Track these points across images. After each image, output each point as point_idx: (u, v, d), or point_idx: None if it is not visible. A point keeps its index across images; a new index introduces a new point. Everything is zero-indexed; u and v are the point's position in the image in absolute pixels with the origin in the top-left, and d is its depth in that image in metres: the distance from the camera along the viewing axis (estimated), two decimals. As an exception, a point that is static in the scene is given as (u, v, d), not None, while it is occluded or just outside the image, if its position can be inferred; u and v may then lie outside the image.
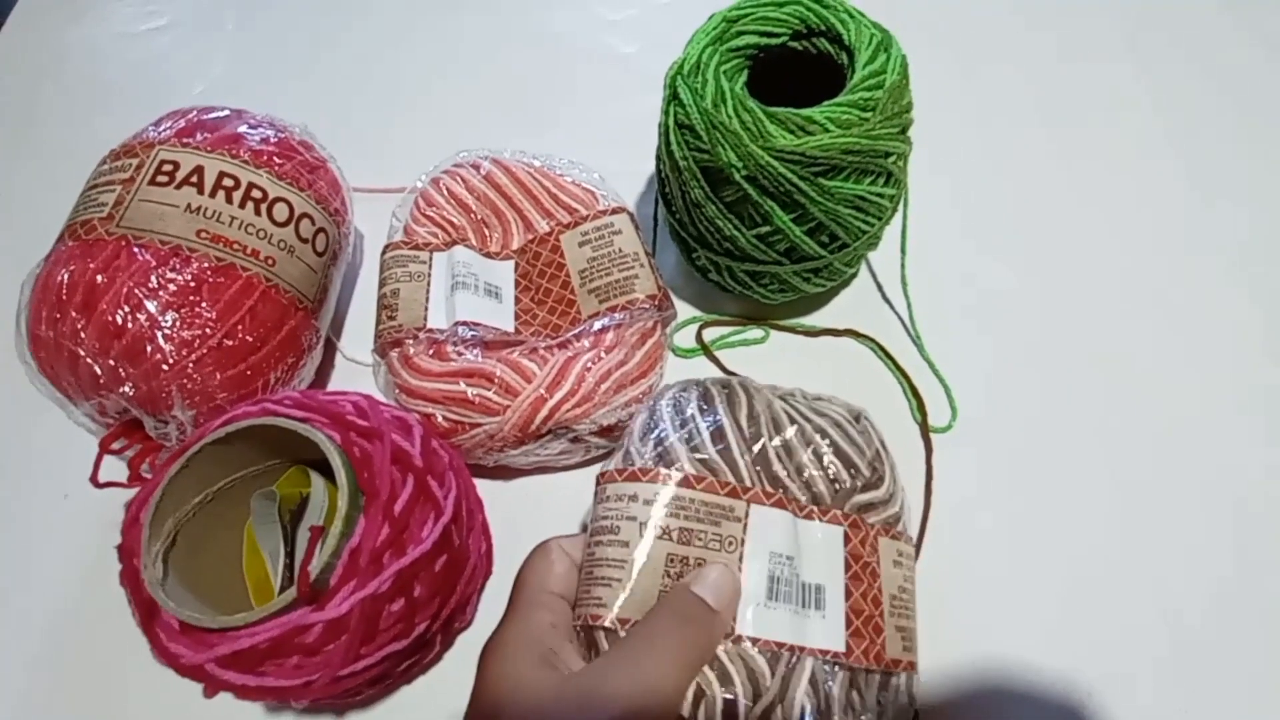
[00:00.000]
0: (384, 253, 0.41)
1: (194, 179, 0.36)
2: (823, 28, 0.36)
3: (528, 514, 0.38)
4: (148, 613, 0.26)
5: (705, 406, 0.30)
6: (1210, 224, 0.48)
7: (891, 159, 0.35)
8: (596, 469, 0.30)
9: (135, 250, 0.34)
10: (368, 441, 0.29)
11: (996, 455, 0.40)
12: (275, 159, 0.38)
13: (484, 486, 0.38)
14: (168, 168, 0.36)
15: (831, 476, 0.30)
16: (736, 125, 0.33)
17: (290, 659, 0.26)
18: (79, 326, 0.33)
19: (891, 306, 0.45)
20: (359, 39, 0.60)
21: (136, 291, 0.33)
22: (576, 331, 0.38)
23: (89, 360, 0.33)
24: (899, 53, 0.35)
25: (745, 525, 0.27)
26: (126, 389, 0.33)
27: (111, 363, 0.33)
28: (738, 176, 0.34)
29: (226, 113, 0.40)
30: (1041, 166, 0.50)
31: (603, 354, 0.37)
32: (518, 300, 0.40)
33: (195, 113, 0.39)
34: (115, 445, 0.36)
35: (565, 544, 0.28)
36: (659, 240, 0.46)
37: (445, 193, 0.42)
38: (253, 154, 0.38)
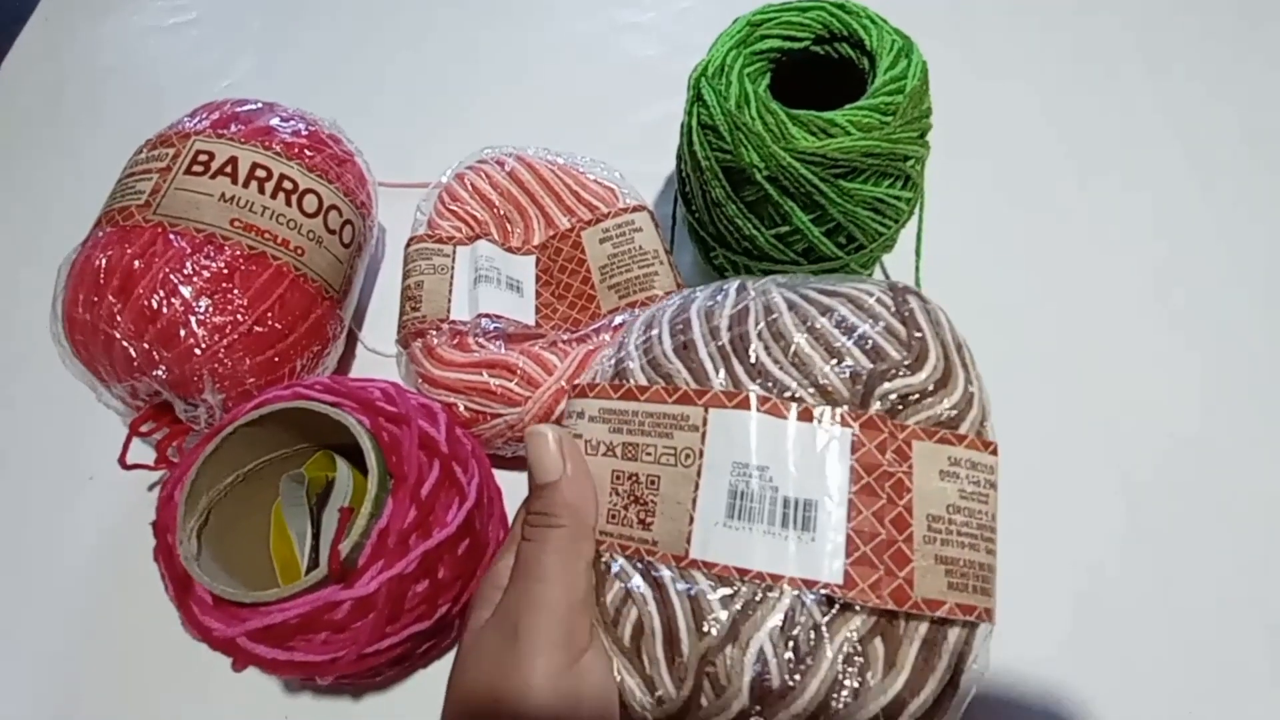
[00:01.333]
0: (408, 245, 0.42)
1: (228, 169, 0.37)
2: (845, 33, 0.37)
3: (545, 504, 0.39)
4: (182, 587, 0.27)
5: (680, 309, 0.27)
6: (1226, 237, 0.48)
7: (910, 163, 0.36)
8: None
9: (171, 237, 0.34)
10: (396, 426, 0.30)
11: (1007, 458, 0.40)
12: (306, 151, 0.39)
13: (502, 477, 0.39)
14: (203, 158, 0.37)
15: (840, 360, 0.24)
16: (759, 126, 0.34)
17: (319, 635, 0.27)
18: (116, 310, 0.34)
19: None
20: (385, 38, 0.61)
21: (172, 277, 0.34)
22: (596, 326, 0.39)
23: (124, 343, 0.34)
24: (919, 59, 0.36)
25: (703, 434, 0.23)
26: (160, 372, 0.34)
27: (146, 346, 0.34)
28: (759, 176, 0.35)
29: (259, 105, 0.41)
30: (1056, 174, 0.51)
31: (622, 348, 0.38)
32: (539, 294, 0.41)
33: (229, 104, 0.40)
34: (144, 428, 0.37)
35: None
36: (677, 239, 0.47)
37: (469, 188, 0.43)
38: (284, 146, 0.39)
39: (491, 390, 0.36)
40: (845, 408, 0.23)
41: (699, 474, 0.23)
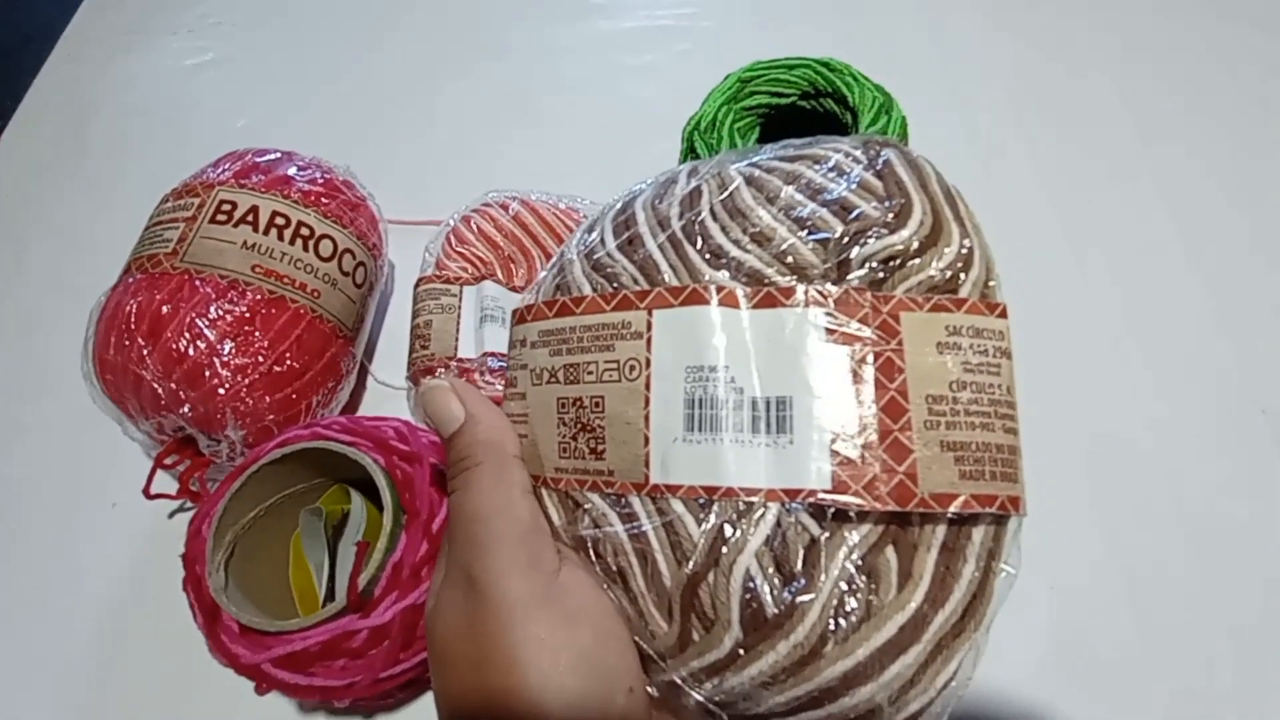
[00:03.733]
0: (417, 285, 0.44)
1: (250, 218, 0.39)
2: (829, 89, 0.39)
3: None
4: (210, 616, 0.29)
5: (624, 204, 0.24)
6: (1197, 262, 0.50)
7: (890, 211, 0.38)
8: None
9: (197, 283, 0.37)
10: (409, 464, 0.32)
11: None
12: (322, 199, 0.42)
13: (507, 506, 0.41)
14: (226, 207, 0.39)
15: (807, 224, 0.20)
16: (748, 180, 0.36)
17: (338, 661, 0.29)
18: (145, 352, 0.36)
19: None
20: (395, 79, 0.63)
21: (198, 321, 0.36)
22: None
23: (153, 383, 0.36)
24: (899, 114, 0.38)
25: (649, 341, 0.20)
26: (185, 410, 0.36)
27: (173, 385, 0.36)
28: (748, 226, 0.37)
29: (278, 155, 0.43)
30: (1034, 217, 0.53)
31: (620, 385, 0.40)
32: (541, 332, 0.43)
33: (250, 155, 0.42)
34: (168, 460, 0.39)
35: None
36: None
37: (475, 230, 0.45)
38: (302, 194, 0.41)
39: (497, 426, 0.38)
40: (815, 285, 0.19)
41: (647, 386, 0.20)
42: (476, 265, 0.45)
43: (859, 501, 0.18)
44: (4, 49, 0.75)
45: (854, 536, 0.18)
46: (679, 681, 0.19)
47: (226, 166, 0.41)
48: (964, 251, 0.20)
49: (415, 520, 0.30)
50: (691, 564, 0.18)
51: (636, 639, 0.20)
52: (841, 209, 0.20)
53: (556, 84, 0.62)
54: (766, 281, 0.20)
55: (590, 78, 0.62)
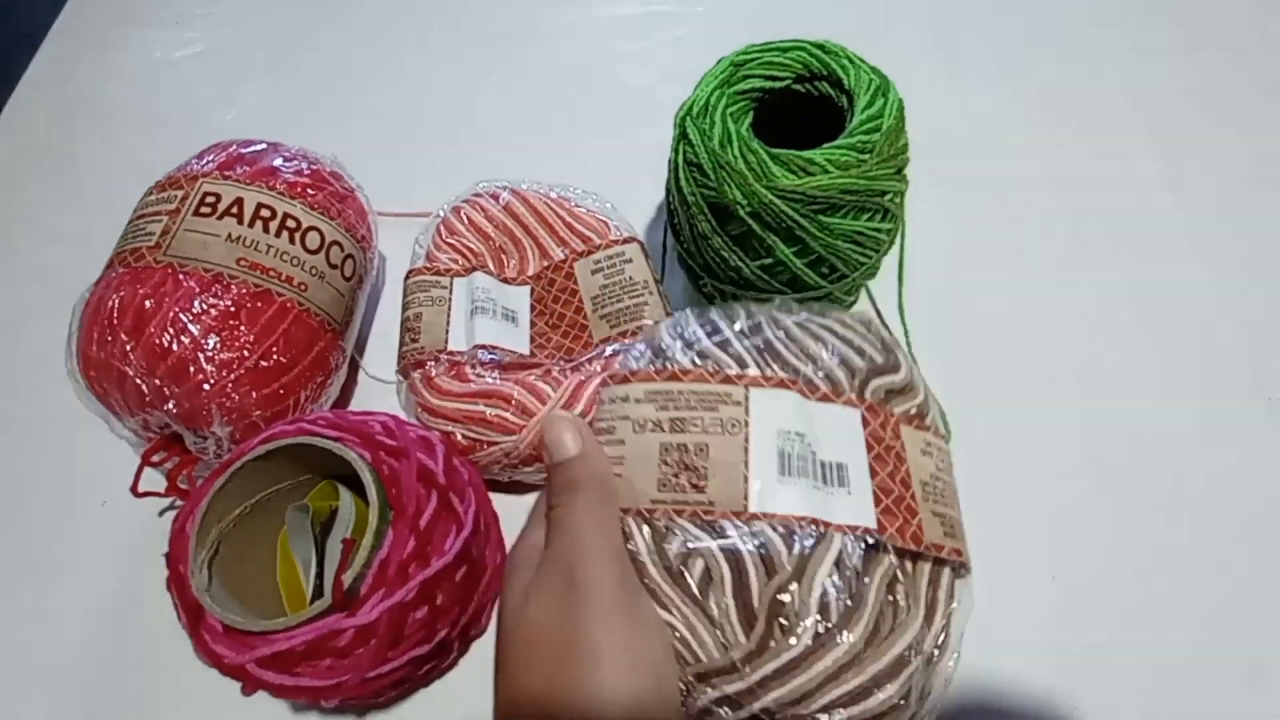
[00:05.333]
0: (407, 278, 0.43)
1: (234, 210, 0.38)
2: (824, 72, 0.38)
3: (540, 527, 0.40)
4: (194, 615, 0.29)
5: (702, 316, 0.31)
6: (1201, 249, 0.49)
7: (888, 197, 0.37)
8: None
9: (181, 277, 0.36)
10: (395, 460, 0.32)
11: (990, 479, 0.42)
12: (308, 190, 0.41)
13: (498, 501, 0.40)
14: (210, 199, 0.38)
15: (841, 359, 0.29)
16: (742, 165, 0.36)
17: (324, 661, 0.28)
18: (128, 348, 0.35)
19: (890, 333, 0.47)
20: (385, 66, 0.63)
21: (182, 316, 0.35)
22: (589, 356, 0.40)
23: (137, 379, 0.35)
24: (896, 97, 0.37)
25: (746, 408, 0.27)
26: (170, 406, 0.36)
27: (157, 382, 0.35)
28: (742, 213, 0.36)
29: (264, 146, 0.42)
30: (1034, 199, 0.52)
31: (613, 377, 0.39)
32: (533, 324, 0.42)
33: (235, 146, 0.42)
34: (155, 458, 0.39)
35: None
36: (668, 266, 0.49)
37: (466, 221, 0.45)
38: (288, 186, 0.40)
39: (488, 420, 0.38)
40: (852, 395, 0.28)
41: (747, 440, 0.26)
42: (467, 256, 0.44)
43: (895, 540, 0.25)
44: (2, 47, 0.74)
45: (884, 565, 0.25)
46: (735, 695, 0.24)
47: (211, 158, 0.41)
48: (927, 397, 0.30)
49: (401, 516, 0.30)
50: (779, 576, 0.24)
51: (703, 659, 0.24)
52: (861, 353, 0.30)
53: (549, 71, 0.61)
54: (817, 386, 0.28)
55: (583, 64, 0.61)
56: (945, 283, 0.48)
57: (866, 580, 0.24)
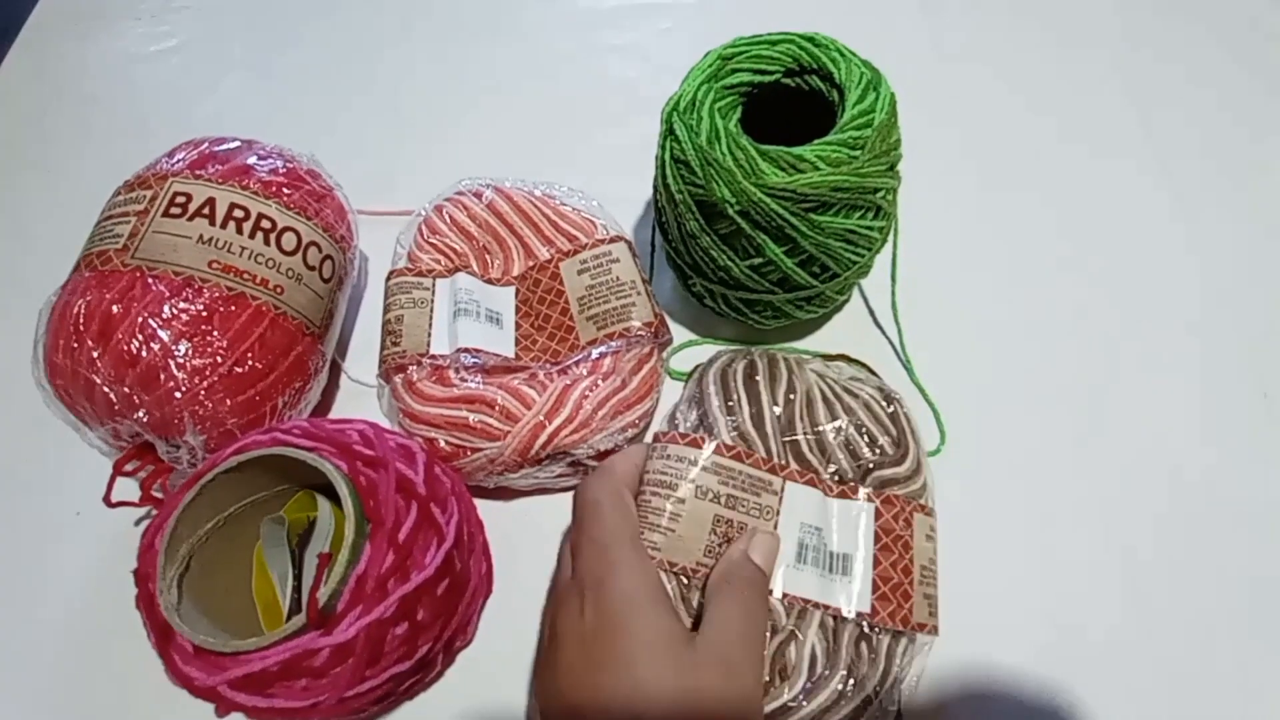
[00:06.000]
0: (388, 279, 0.42)
1: (206, 210, 0.37)
2: (814, 66, 0.37)
3: (527, 534, 0.39)
4: (163, 635, 0.28)
5: (749, 382, 0.33)
6: (1198, 247, 0.49)
7: (880, 194, 0.36)
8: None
9: (150, 281, 0.35)
10: (373, 470, 0.30)
11: (984, 479, 0.41)
12: (284, 189, 0.40)
13: (484, 507, 0.39)
14: (181, 199, 0.37)
15: (854, 453, 0.33)
16: (730, 162, 0.35)
17: (299, 681, 0.27)
18: (95, 355, 0.34)
19: (883, 332, 0.46)
20: (366, 60, 0.61)
21: (151, 321, 0.34)
22: (576, 359, 0.39)
23: (105, 388, 0.34)
24: (888, 91, 0.36)
25: (780, 498, 0.31)
26: (140, 415, 0.34)
27: (126, 390, 0.34)
28: (731, 211, 0.35)
29: (237, 144, 0.41)
30: (1030, 195, 0.51)
31: (600, 381, 0.38)
32: (518, 326, 0.41)
33: (207, 144, 0.40)
34: (128, 467, 0.38)
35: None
36: (656, 264, 0.48)
37: (448, 220, 0.43)
38: (262, 185, 0.39)
39: (471, 426, 0.37)
40: (861, 486, 0.33)
41: (775, 528, 0.31)
42: (450, 256, 0.43)
43: (885, 624, 0.31)
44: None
45: (852, 629, 0.31)
46: None
47: (181, 156, 0.39)
48: (926, 478, 0.34)
49: (380, 530, 0.29)
50: (781, 635, 0.29)
51: None
52: (874, 444, 0.34)
53: (533, 64, 0.60)
54: (827, 481, 0.33)
55: (568, 57, 0.60)
56: (939, 280, 0.47)
57: (844, 642, 0.30)
